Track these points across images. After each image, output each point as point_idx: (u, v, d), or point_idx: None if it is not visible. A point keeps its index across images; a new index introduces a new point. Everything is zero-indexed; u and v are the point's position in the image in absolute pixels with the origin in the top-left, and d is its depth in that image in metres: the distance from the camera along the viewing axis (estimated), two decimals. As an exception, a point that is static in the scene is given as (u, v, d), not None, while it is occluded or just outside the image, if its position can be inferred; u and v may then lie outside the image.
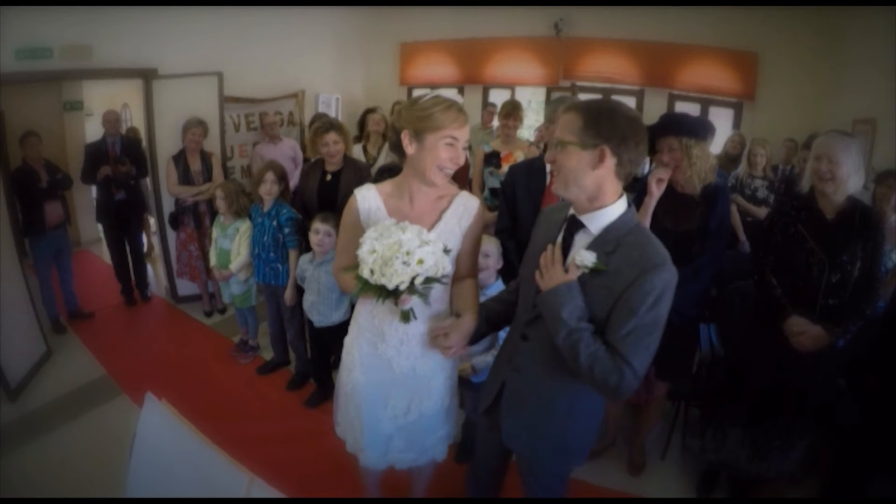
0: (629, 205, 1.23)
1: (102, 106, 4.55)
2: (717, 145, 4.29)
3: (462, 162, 1.43)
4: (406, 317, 1.40)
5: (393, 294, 1.28)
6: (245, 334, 3.44)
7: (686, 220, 2.00)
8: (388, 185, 1.51)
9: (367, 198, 1.48)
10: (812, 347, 1.81)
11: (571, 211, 1.27)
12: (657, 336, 1.15)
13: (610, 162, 1.16)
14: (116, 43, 3.67)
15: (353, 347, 1.62)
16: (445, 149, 1.36)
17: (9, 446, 2.47)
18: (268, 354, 3.34)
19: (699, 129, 1.97)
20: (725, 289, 2.57)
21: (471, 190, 3.51)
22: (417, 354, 1.55)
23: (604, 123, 1.15)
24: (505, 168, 3.23)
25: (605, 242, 1.18)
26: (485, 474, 1.73)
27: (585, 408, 1.37)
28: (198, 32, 4.15)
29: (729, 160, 4.08)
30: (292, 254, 2.90)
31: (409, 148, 1.38)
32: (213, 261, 3.28)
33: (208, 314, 4.05)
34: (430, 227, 1.44)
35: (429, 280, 1.28)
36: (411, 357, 1.55)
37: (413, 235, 1.27)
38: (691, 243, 1.97)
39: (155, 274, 4.74)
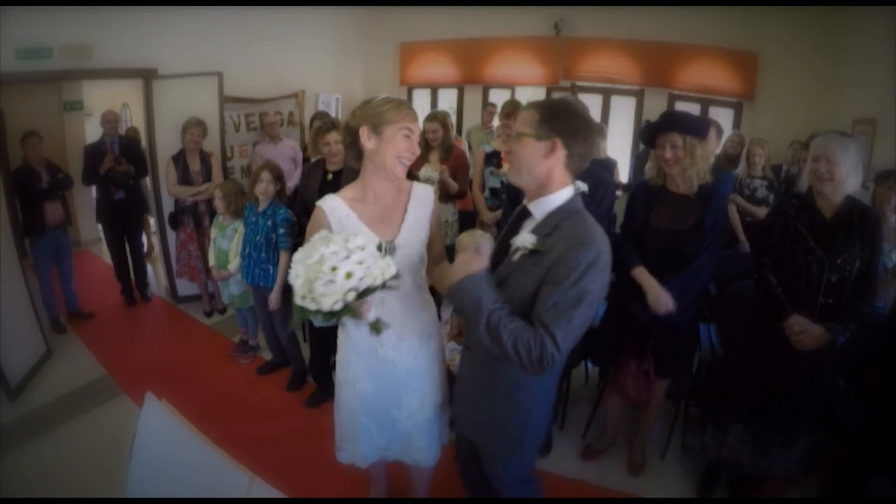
0: (576, 193, 1.32)
1: (102, 106, 4.55)
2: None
3: (417, 153, 1.48)
4: (376, 328, 1.32)
5: (336, 315, 1.19)
6: (245, 334, 3.44)
7: (682, 220, 2.00)
8: (348, 191, 1.51)
9: (335, 207, 1.46)
10: (813, 346, 1.82)
11: (525, 202, 1.37)
12: (583, 311, 1.19)
13: (561, 153, 1.26)
14: (116, 43, 3.68)
15: (351, 361, 1.62)
16: (403, 140, 1.42)
17: (9, 446, 2.47)
18: (268, 354, 3.34)
19: (703, 129, 1.97)
20: (725, 289, 2.57)
21: (471, 190, 3.51)
22: (416, 348, 1.59)
23: (558, 118, 1.26)
24: (506, 168, 3.24)
25: (546, 226, 1.27)
26: (469, 469, 1.74)
27: (527, 396, 1.39)
28: (198, 32, 4.16)
29: (728, 160, 4.08)
30: (283, 255, 2.86)
31: (369, 143, 1.42)
32: (211, 261, 3.28)
33: (208, 314, 4.05)
34: (401, 221, 1.51)
35: (367, 291, 1.18)
36: (412, 352, 1.59)
37: (337, 248, 1.17)
38: (687, 243, 1.97)
39: (155, 274, 4.74)
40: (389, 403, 1.62)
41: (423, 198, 1.56)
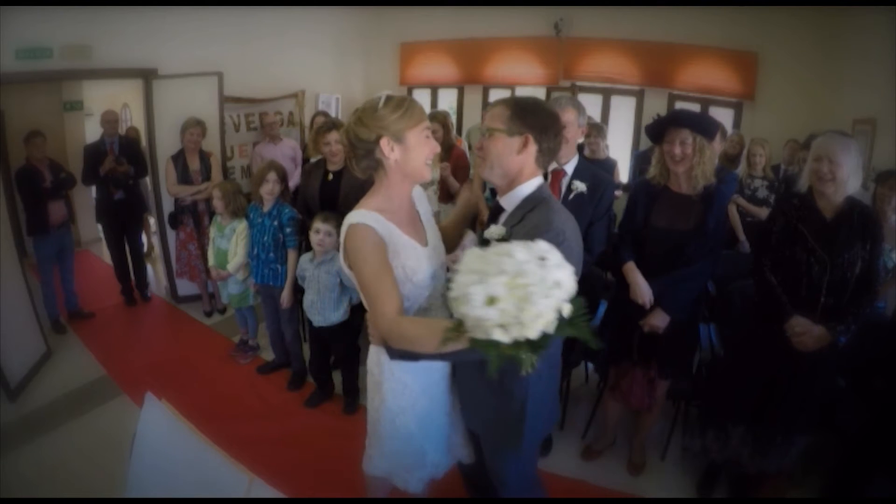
0: (543, 183, 1.36)
1: (102, 106, 4.55)
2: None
3: (438, 150, 1.44)
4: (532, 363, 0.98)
5: (540, 344, 0.92)
6: (245, 334, 3.44)
7: (683, 220, 2.00)
8: (372, 201, 1.37)
9: (379, 221, 1.31)
10: (814, 347, 1.81)
11: (497, 198, 1.40)
12: None
13: (532, 148, 1.30)
14: (116, 43, 3.68)
15: (407, 384, 1.47)
16: (426, 142, 1.34)
17: (9, 446, 2.47)
18: (268, 355, 3.34)
19: (713, 130, 1.97)
20: (725, 289, 2.57)
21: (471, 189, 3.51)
22: None
23: (529, 115, 1.29)
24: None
25: (515, 217, 1.31)
26: (472, 471, 1.74)
27: (521, 386, 1.37)
28: (198, 32, 4.16)
29: (728, 160, 4.08)
30: (292, 254, 2.90)
31: (393, 153, 1.30)
32: (210, 260, 3.28)
33: (208, 314, 4.05)
34: (420, 223, 1.46)
35: (579, 307, 0.93)
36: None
37: (527, 255, 0.91)
38: (687, 244, 1.97)
39: (155, 274, 4.75)
40: (439, 411, 1.56)
41: (420, 196, 1.54)
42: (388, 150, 1.30)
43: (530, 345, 0.90)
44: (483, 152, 1.34)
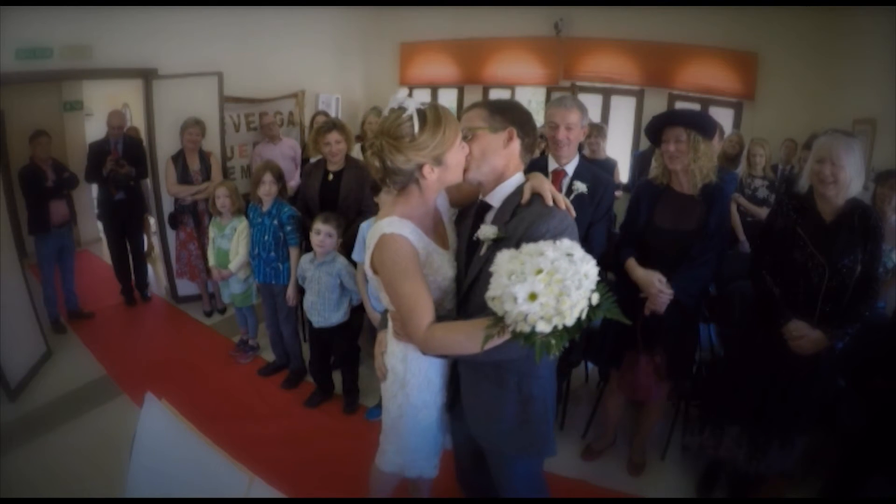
0: (526, 178, 1.36)
1: (102, 106, 4.56)
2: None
3: (468, 150, 1.42)
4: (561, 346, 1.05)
5: (576, 328, 1.00)
6: (245, 334, 3.44)
7: (686, 220, 2.00)
8: (399, 208, 1.32)
9: (411, 229, 1.29)
10: (811, 351, 1.81)
11: (480, 197, 1.39)
12: None
13: (516, 143, 1.32)
14: (116, 43, 3.68)
15: (431, 379, 1.50)
16: (462, 151, 1.30)
17: (9, 446, 2.47)
18: (267, 355, 3.34)
19: (708, 127, 1.97)
20: (725, 289, 2.56)
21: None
22: None
23: (507, 111, 1.33)
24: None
25: (504, 213, 1.30)
26: (473, 483, 1.75)
27: (539, 385, 1.37)
28: (198, 32, 4.16)
29: (727, 160, 4.07)
30: (293, 251, 2.91)
31: (433, 174, 1.26)
32: (211, 261, 3.28)
33: (208, 314, 4.05)
34: (443, 226, 1.44)
35: (603, 292, 1.02)
36: None
37: (556, 253, 1.01)
38: (690, 244, 1.97)
39: (155, 274, 4.74)
40: (446, 400, 1.57)
41: (442, 199, 1.49)
42: (429, 173, 1.26)
43: (567, 330, 1.00)
44: (468, 155, 1.31)
